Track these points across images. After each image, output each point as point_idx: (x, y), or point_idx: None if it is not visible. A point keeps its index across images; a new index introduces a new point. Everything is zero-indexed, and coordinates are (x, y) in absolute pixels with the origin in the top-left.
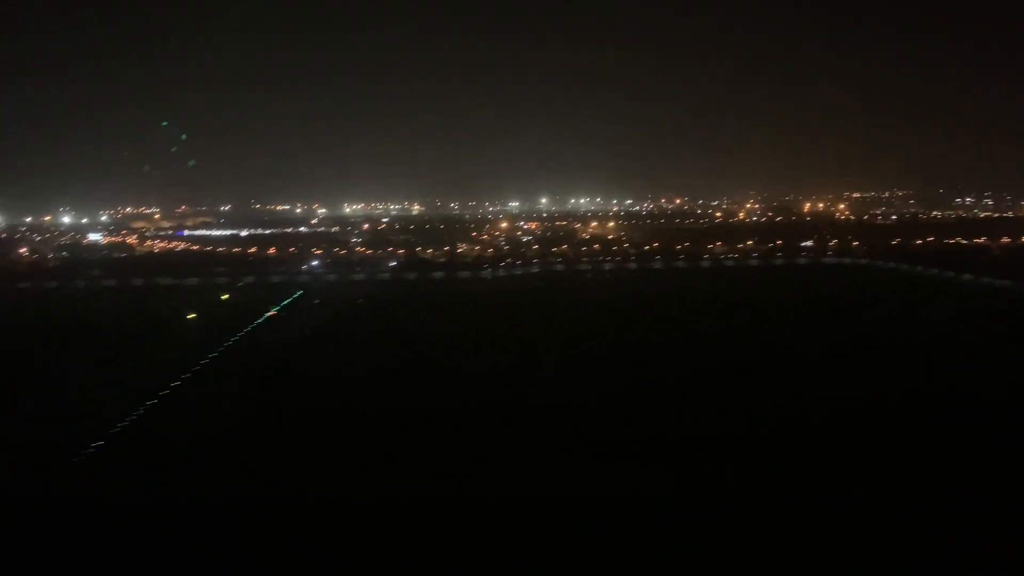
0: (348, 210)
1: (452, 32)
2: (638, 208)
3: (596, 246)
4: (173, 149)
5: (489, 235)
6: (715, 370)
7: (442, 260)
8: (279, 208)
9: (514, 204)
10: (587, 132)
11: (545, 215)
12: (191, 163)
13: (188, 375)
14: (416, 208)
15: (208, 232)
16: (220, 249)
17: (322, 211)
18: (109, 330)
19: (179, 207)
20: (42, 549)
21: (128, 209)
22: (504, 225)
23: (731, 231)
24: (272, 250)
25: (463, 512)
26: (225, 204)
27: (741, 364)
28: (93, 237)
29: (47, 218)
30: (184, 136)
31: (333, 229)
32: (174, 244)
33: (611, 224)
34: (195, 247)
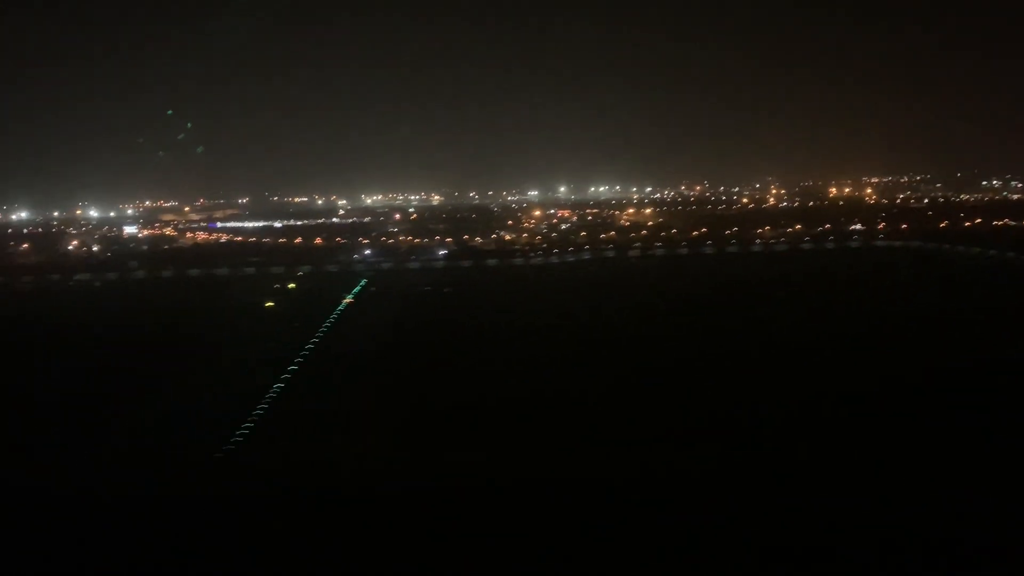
0: (369, 201)
1: (466, 21)
2: (659, 195)
3: (643, 232)
4: (180, 136)
5: (527, 223)
6: (841, 349)
7: (491, 248)
8: (296, 200)
9: (533, 193)
10: (601, 121)
11: (569, 203)
12: (199, 149)
13: (297, 365)
14: (436, 198)
15: (240, 224)
16: (265, 239)
17: (342, 202)
18: (199, 320)
19: (197, 200)
20: (194, 546)
21: (147, 203)
22: (537, 213)
23: (775, 216)
24: (318, 240)
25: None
26: (242, 197)
27: (869, 344)
28: (129, 230)
29: (78, 212)
30: (189, 124)
31: (365, 219)
32: (215, 235)
33: (648, 211)
34: (238, 238)
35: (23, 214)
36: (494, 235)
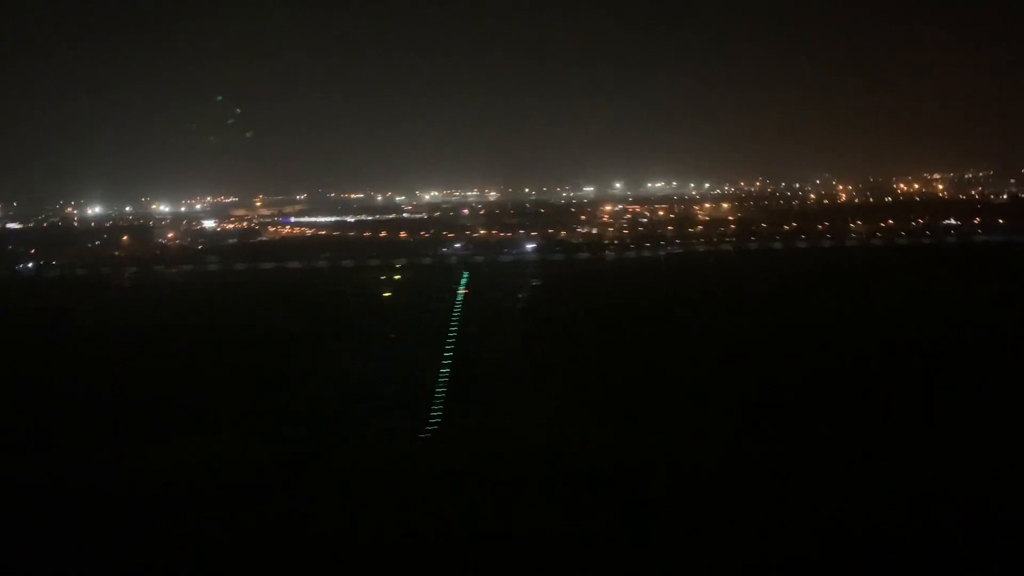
0: (427, 197)
1: (521, 19)
2: (719, 191)
3: (733, 226)
4: (230, 122)
5: (604, 217)
6: None
7: (580, 241)
8: (353, 196)
9: (588, 189)
10: (653, 118)
11: (628, 199)
12: (249, 133)
13: (450, 351)
14: (492, 194)
15: (312, 219)
16: (350, 233)
17: (400, 198)
18: (335, 309)
19: (256, 196)
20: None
21: (208, 198)
22: (608, 208)
23: (859, 211)
24: (403, 234)
25: None
26: (300, 193)
27: None
28: (208, 224)
29: (154, 206)
30: (239, 110)
31: (435, 214)
32: (298, 230)
33: (726, 206)
34: (322, 232)
35: (96, 209)
36: (583, 229)
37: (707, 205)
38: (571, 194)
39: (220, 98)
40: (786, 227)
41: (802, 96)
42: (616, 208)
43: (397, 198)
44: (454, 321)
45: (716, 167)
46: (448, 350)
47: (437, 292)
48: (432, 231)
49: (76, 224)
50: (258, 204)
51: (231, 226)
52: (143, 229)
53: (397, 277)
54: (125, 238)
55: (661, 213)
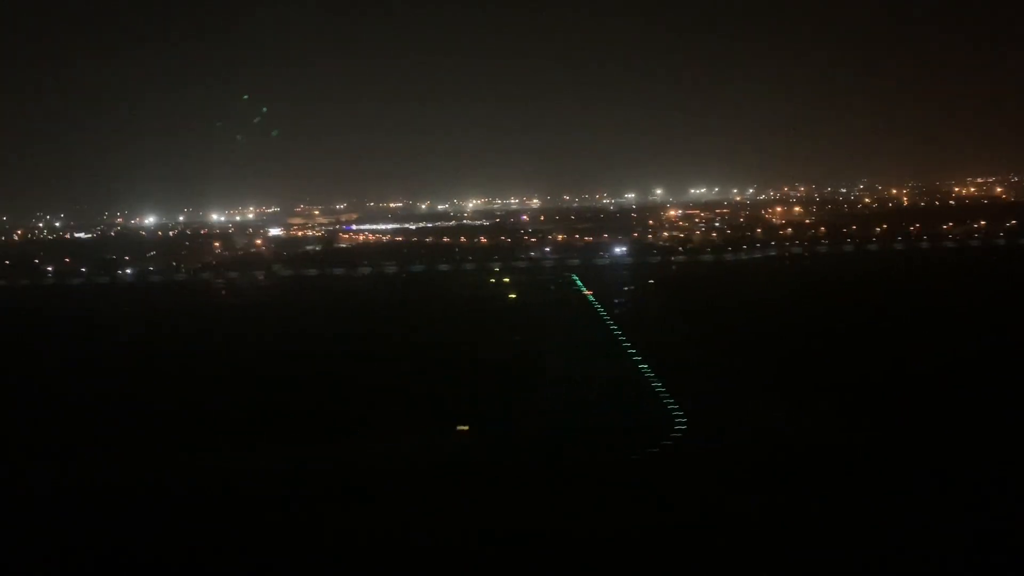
0: (470, 205)
1: (559, 27)
2: (766, 196)
3: (822, 229)
4: (256, 120)
5: (678, 222)
6: None
7: (671, 244)
8: (392, 205)
9: (629, 195)
10: (690, 125)
11: (671, 204)
12: (274, 133)
13: (634, 350)
14: (535, 201)
15: (373, 226)
16: (427, 239)
17: (442, 206)
18: (481, 311)
19: (297, 205)
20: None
21: (251, 208)
22: (672, 213)
23: (940, 214)
24: (483, 239)
25: None
26: (338, 203)
27: None
28: (274, 232)
29: (204, 216)
30: (265, 109)
31: (495, 221)
32: (374, 236)
33: (797, 209)
34: (399, 238)
35: (150, 219)
36: (664, 232)
37: (778, 209)
38: (612, 200)
39: (246, 97)
40: (877, 229)
41: (838, 102)
42: (681, 213)
43: (439, 206)
44: (608, 321)
45: (752, 172)
46: (628, 348)
47: (561, 293)
48: (510, 237)
49: (143, 233)
50: (316, 213)
51: (299, 233)
52: (228, 236)
53: (506, 280)
54: (217, 244)
55: (725, 217)
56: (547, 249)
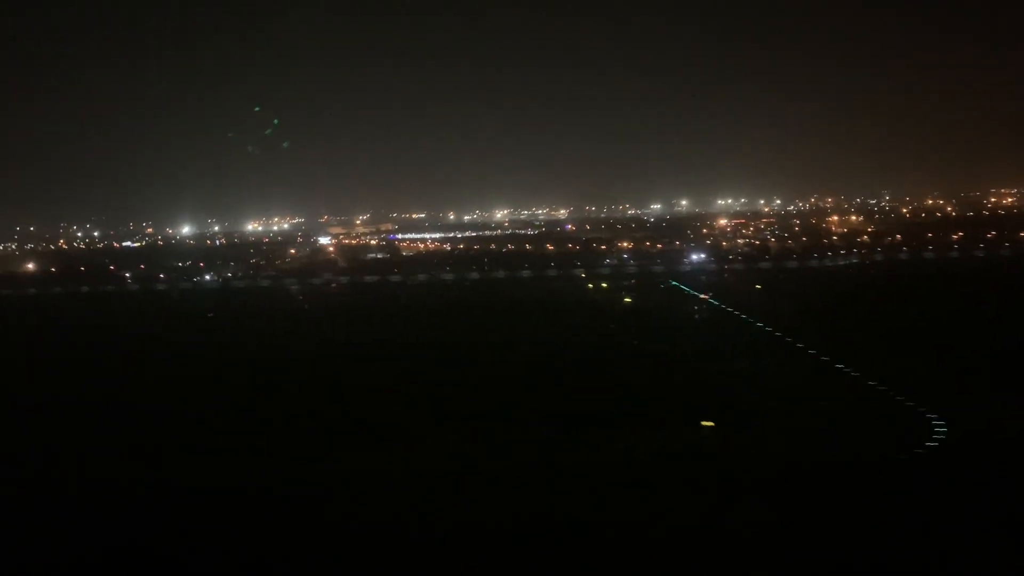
0: (498, 215)
1: (582, 41)
2: (793, 207)
3: (898, 236)
4: (268, 132)
5: (737, 230)
6: None
7: (752, 251)
8: (415, 216)
9: (655, 207)
10: (712, 137)
11: (749, 213)
12: (285, 144)
13: (819, 351)
14: (563, 212)
15: (418, 235)
16: (491, 247)
17: (469, 216)
18: (618, 315)
19: (321, 216)
20: None
21: (276, 218)
22: (722, 222)
23: (995, 222)
24: (549, 246)
25: None
26: (361, 214)
27: None
28: (323, 240)
29: (257, 224)
30: (276, 121)
31: (541, 230)
32: (433, 245)
33: (854, 218)
34: (460, 246)
35: (185, 229)
36: (739, 240)
37: (834, 218)
38: (638, 211)
39: (258, 108)
40: (954, 236)
41: (859, 114)
42: (733, 222)
43: (465, 216)
44: (757, 323)
45: (772, 184)
46: (807, 349)
47: (676, 297)
48: (578, 245)
49: (191, 242)
50: (357, 223)
51: (355, 242)
52: (294, 245)
53: (604, 285)
54: (293, 251)
55: (774, 225)
56: (625, 256)
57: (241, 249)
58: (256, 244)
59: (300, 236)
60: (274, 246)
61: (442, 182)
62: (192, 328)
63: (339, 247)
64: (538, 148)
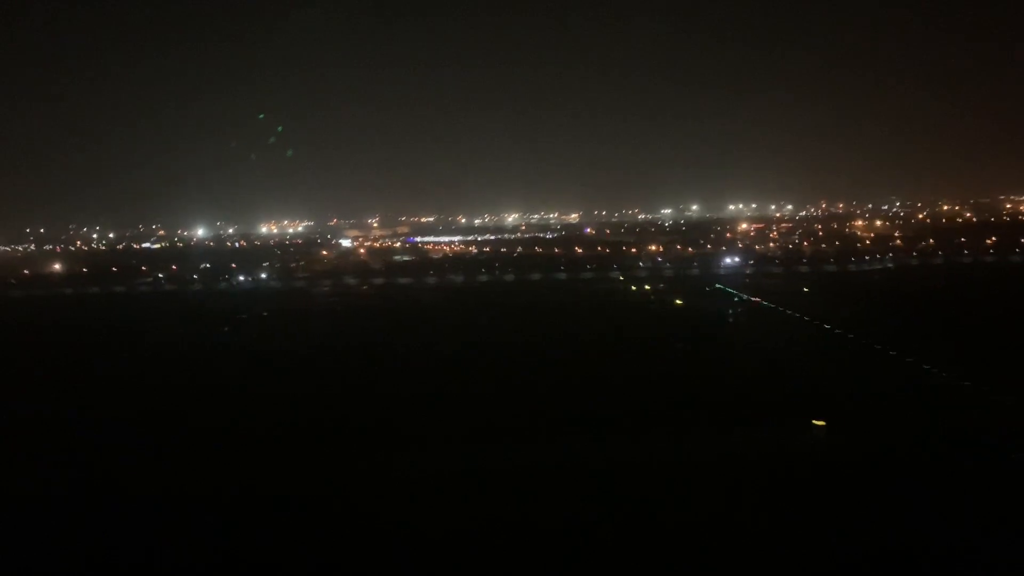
0: (509, 219)
1: (592, 44)
2: (805, 212)
3: (931, 241)
4: (271, 140)
5: (771, 235)
6: None
7: (783, 255)
8: (423, 220)
9: (665, 211)
10: (720, 143)
11: (752, 218)
12: (289, 153)
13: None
14: (574, 217)
15: (436, 238)
16: (518, 249)
17: (478, 220)
18: (677, 318)
19: (331, 219)
20: None
21: (284, 221)
22: (744, 227)
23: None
24: (578, 249)
25: None
26: (370, 217)
27: None
28: (344, 243)
29: (270, 227)
30: (280, 128)
31: (547, 234)
32: (456, 247)
33: (879, 223)
34: (486, 248)
35: (200, 231)
36: (771, 244)
37: (858, 223)
38: (648, 216)
39: (262, 116)
40: (988, 241)
41: (864, 121)
42: (753, 227)
43: (475, 220)
44: (826, 325)
45: (776, 189)
46: (885, 350)
47: (726, 300)
48: (607, 248)
49: (210, 244)
50: (374, 225)
51: (378, 244)
52: (316, 247)
53: (647, 287)
54: (325, 253)
55: (793, 230)
56: (659, 259)
57: (268, 251)
58: (282, 246)
59: (318, 239)
60: (303, 248)
61: (449, 186)
62: (281, 328)
63: (369, 250)
64: (543, 152)
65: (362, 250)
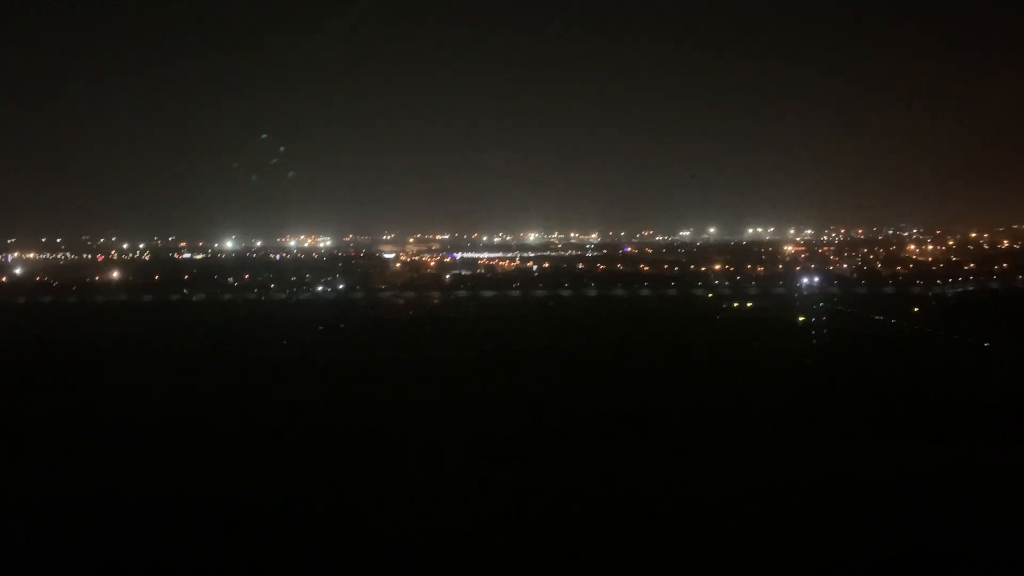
0: (531, 237)
1: (607, 63)
2: (826, 236)
3: (1005, 264)
4: (273, 160)
5: (804, 256)
6: None
7: (852, 276)
8: (439, 236)
9: (684, 233)
10: (732, 168)
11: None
12: (291, 174)
13: None
14: (594, 235)
15: (473, 255)
16: (580, 266)
17: (497, 238)
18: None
19: (347, 235)
20: None
21: (301, 236)
22: (791, 249)
23: None
24: (643, 267)
25: None
26: (385, 233)
27: None
28: (387, 256)
29: (303, 240)
30: (283, 148)
31: (588, 253)
32: (513, 263)
33: (931, 247)
34: (545, 264)
35: (228, 243)
36: (830, 265)
37: (910, 247)
38: (666, 237)
39: (265, 136)
40: None
41: (872, 148)
42: (795, 249)
43: (495, 238)
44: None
45: (788, 212)
46: None
47: (846, 317)
48: (669, 266)
49: (252, 255)
50: (411, 241)
51: (421, 259)
52: (380, 261)
53: (750, 304)
54: (399, 266)
55: (828, 252)
56: (738, 278)
57: (321, 264)
58: (343, 259)
59: (362, 252)
60: (364, 261)
61: (462, 204)
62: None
63: (438, 264)
64: (557, 172)
65: (432, 263)
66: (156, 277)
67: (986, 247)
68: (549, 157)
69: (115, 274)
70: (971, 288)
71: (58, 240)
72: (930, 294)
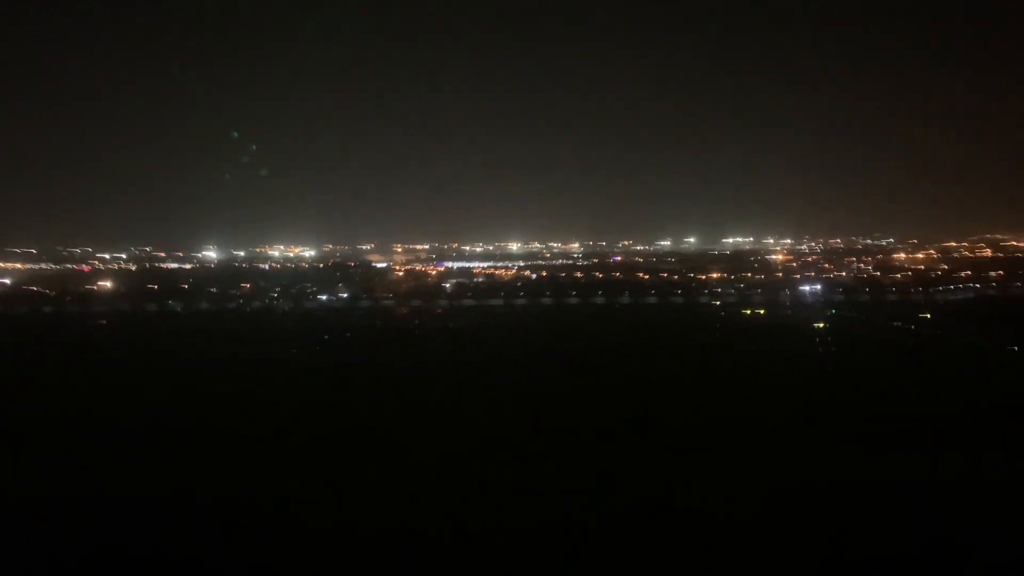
0: (513, 247)
1: (593, 74)
2: (805, 246)
3: (1002, 272)
4: (244, 158)
5: (795, 264)
6: None
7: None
8: (419, 247)
9: (664, 243)
10: (712, 177)
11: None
12: (263, 173)
13: None
14: (575, 245)
15: (465, 264)
16: (578, 275)
17: (479, 248)
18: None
19: (325, 245)
20: None
21: (280, 246)
22: (780, 258)
23: None
24: (642, 275)
25: None
26: (365, 243)
27: None
28: (380, 265)
29: (267, 248)
30: (254, 147)
31: (578, 261)
32: (502, 271)
33: (920, 255)
34: (543, 273)
35: (211, 253)
36: (830, 274)
37: (901, 255)
38: (645, 249)
39: (236, 134)
40: None
41: (845, 161)
42: (784, 258)
43: (476, 247)
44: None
45: (762, 223)
46: None
47: (864, 323)
48: (673, 274)
49: (239, 265)
50: (398, 250)
51: (417, 268)
52: (381, 271)
53: (762, 311)
54: (400, 274)
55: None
56: (740, 286)
57: (318, 272)
58: (342, 268)
59: (352, 262)
60: (360, 270)
61: (438, 214)
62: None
63: (442, 273)
64: (535, 182)
65: (433, 273)
66: (155, 287)
67: (969, 255)
68: (522, 167)
69: (109, 284)
70: (971, 295)
71: (33, 251)
72: (938, 300)
